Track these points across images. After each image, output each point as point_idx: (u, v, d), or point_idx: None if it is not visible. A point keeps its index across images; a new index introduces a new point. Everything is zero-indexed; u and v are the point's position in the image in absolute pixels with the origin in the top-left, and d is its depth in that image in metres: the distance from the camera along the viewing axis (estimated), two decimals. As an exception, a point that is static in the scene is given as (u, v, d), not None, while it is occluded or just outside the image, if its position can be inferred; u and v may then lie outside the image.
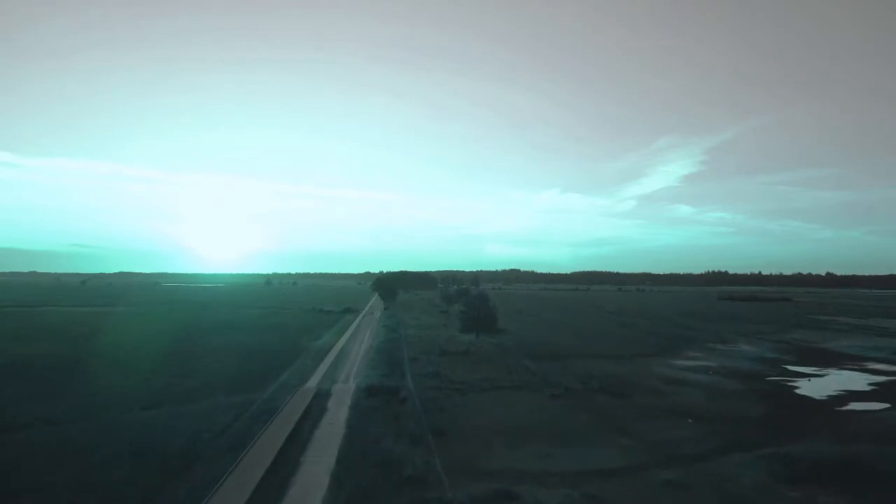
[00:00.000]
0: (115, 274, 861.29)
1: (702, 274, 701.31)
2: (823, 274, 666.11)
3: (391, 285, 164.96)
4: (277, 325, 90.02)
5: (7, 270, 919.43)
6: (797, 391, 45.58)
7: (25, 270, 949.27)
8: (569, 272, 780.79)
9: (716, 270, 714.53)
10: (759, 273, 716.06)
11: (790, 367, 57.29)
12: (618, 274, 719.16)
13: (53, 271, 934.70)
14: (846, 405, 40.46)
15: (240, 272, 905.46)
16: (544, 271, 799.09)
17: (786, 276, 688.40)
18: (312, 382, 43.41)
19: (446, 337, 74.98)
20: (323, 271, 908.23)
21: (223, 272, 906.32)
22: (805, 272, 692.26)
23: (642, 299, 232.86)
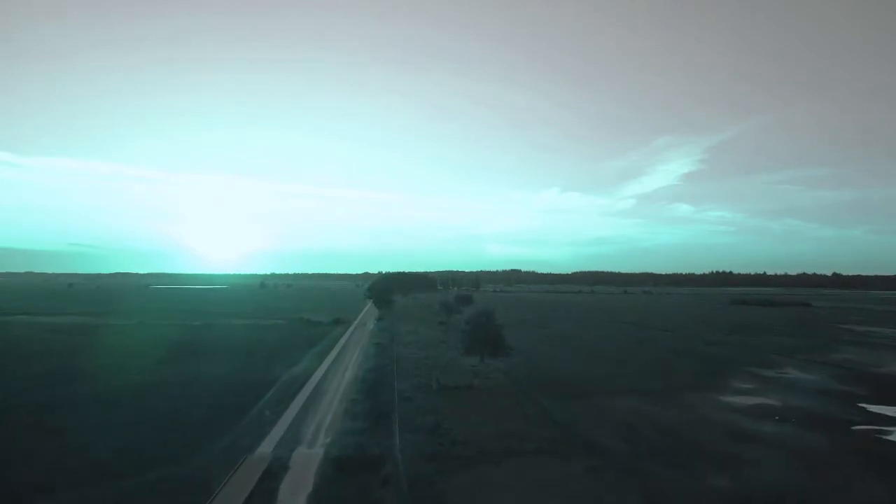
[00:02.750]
0: (112, 275, 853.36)
1: (706, 274, 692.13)
2: (829, 274, 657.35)
3: (387, 291, 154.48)
4: (253, 343, 79.30)
5: (4, 271, 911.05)
6: (904, 451, 34.87)
7: (23, 271, 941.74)
8: (570, 272, 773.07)
9: (720, 271, 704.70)
10: (764, 273, 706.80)
11: (868, 407, 46.59)
12: (619, 274, 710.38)
13: (52, 271, 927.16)
14: None
15: (239, 272, 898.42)
16: (545, 271, 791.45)
17: (791, 277, 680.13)
18: (268, 444, 32.69)
19: (446, 360, 64.31)
20: (322, 271, 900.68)
21: (223, 272, 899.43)
22: (806, 271, 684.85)
23: (651, 304, 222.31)
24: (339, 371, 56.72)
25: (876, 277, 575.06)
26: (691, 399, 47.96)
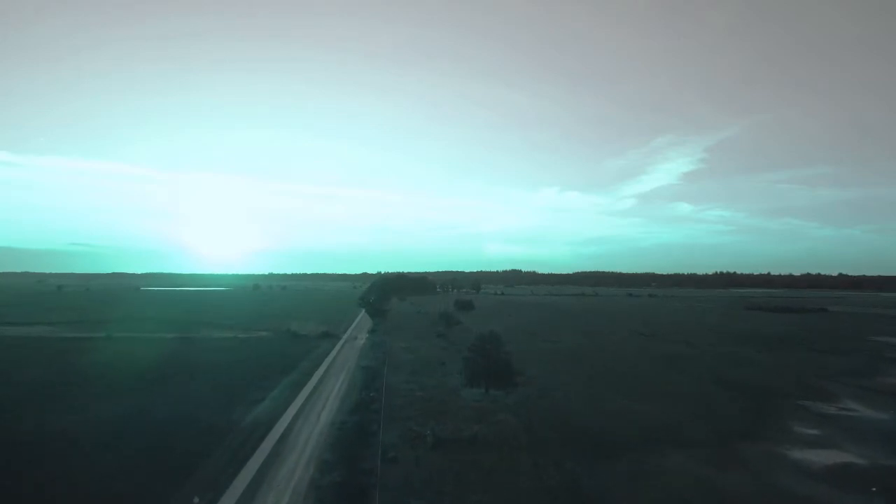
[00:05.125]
0: (108, 275, 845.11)
1: (709, 275, 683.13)
2: (835, 275, 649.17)
3: (382, 298, 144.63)
4: (224, 366, 69.40)
5: (3, 270, 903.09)
6: None
7: (19, 270, 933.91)
8: (571, 272, 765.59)
9: (724, 272, 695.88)
10: (769, 274, 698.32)
11: (977, 466, 36.79)
12: (621, 275, 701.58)
13: (52, 271, 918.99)
14: None
15: (238, 272, 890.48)
16: (545, 272, 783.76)
17: (796, 277, 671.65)
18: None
19: (445, 392, 54.54)
20: (321, 271, 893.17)
21: (222, 272, 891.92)
22: (807, 271, 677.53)
23: (660, 309, 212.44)
24: (315, 411, 46.85)
25: (882, 278, 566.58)
26: (750, 454, 38.13)
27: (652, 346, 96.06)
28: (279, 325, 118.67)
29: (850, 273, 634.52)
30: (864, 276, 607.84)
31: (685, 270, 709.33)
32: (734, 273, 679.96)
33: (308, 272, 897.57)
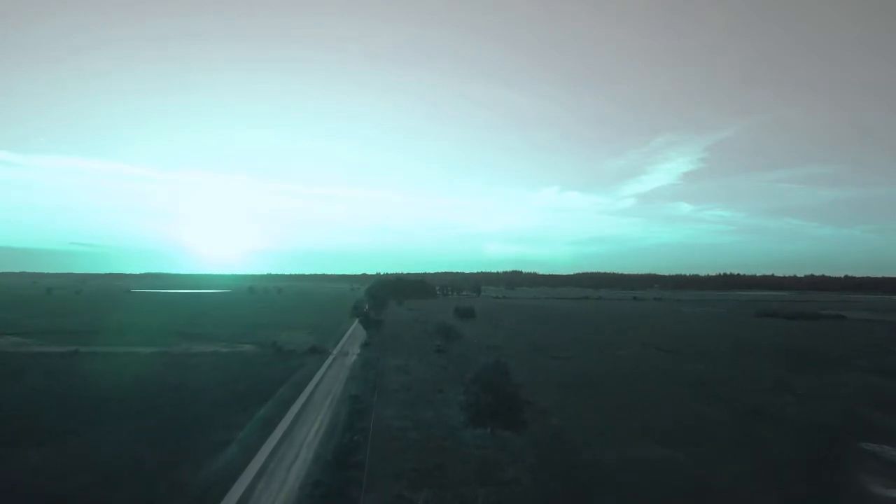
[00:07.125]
0: (106, 275, 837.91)
1: (713, 276, 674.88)
2: (841, 276, 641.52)
3: (377, 305, 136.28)
4: (193, 393, 60.98)
5: (3, 270, 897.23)
6: None
7: (18, 271, 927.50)
8: (571, 273, 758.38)
9: (727, 273, 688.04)
10: (773, 275, 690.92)
11: None
12: (622, 276, 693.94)
13: (52, 271, 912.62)
14: None
15: (238, 272, 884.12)
16: (546, 272, 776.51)
17: (800, 279, 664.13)
18: None
19: (443, 432, 46.18)
20: (320, 272, 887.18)
21: (222, 272, 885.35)
22: (808, 271, 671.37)
23: (669, 315, 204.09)
24: (284, 464, 38.42)
25: (887, 280, 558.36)
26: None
27: (672, 366, 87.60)
28: (266, 337, 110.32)
29: (853, 274, 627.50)
30: (868, 277, 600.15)
31: (685, 270, 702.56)
32: (738, 274, 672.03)
33: (308, 272, 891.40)
